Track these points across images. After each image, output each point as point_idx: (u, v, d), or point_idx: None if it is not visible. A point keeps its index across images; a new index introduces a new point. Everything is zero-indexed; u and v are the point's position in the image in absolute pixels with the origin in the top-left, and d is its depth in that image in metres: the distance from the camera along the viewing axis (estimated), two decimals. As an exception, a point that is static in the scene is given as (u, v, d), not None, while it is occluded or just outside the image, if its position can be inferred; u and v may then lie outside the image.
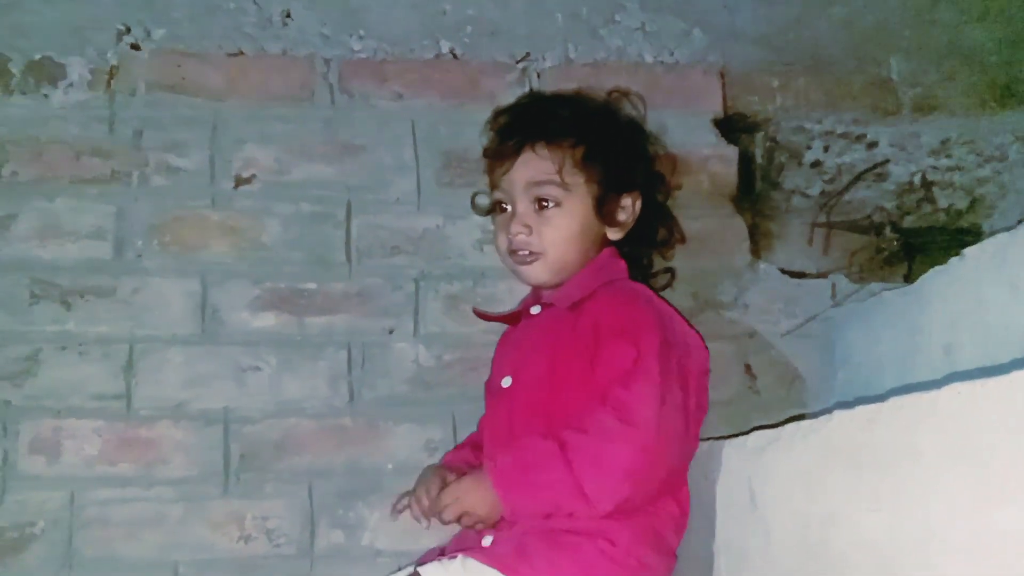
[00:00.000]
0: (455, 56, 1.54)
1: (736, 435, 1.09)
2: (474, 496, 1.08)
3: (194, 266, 1.43)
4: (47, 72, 1.44)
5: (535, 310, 1.25)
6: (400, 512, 1.25)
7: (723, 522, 1.11)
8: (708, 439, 1.18)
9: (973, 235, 1.55)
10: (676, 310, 1.21)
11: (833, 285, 1.54)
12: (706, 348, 1.19)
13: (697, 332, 1.20)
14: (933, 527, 0.73)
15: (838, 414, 0.87)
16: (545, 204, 1.19)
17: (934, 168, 1.61)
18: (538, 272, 1.21)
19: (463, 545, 1.13)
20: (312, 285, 1.45)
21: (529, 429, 1.13)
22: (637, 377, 1.06)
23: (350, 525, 1.40)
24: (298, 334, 1.44)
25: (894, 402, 0.77)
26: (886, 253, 1.59)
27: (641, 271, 1.29)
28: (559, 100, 1.36)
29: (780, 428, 1.00)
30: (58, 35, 1.45)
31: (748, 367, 1.50)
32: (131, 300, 1.41)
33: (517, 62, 1.54)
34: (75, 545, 1.35)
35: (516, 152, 1.21)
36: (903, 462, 0.77)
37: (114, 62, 1.46)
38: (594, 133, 1.22)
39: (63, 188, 1.42)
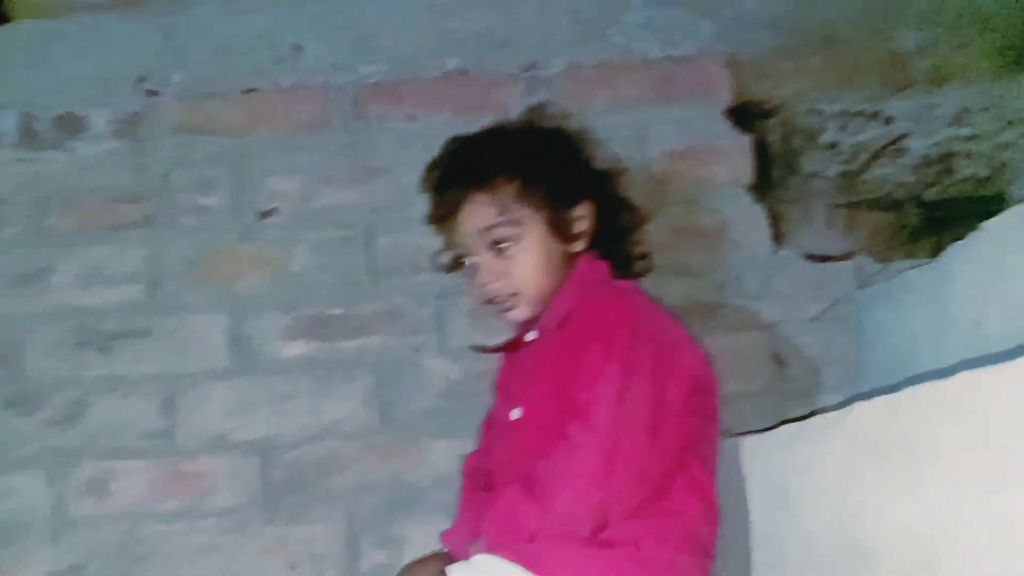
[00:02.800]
0: (465, 71, 1.56)
1: (764, 429, 1.10)
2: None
3: (227, 300, 1.48)
4: (73, 125, 1.50)
5: (531, 336, 1.23)
6: None
7: (758, 517, 1.12)
8: (736, 434, 1.18)
9: (998, 203, 1.52)
10: (663, 309, 1.18)
11: (858, 266, 1.52)
12: (701, 350, 1.15)
13: (686, 331, 1.16)
14: (961, 514, 0.73)
15: (858, 406, 0.88)
16: (502, 246, 1.18)
17: (954, 138, 1.58)
18: (522, 312, 1.21)
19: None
20: (340, 309, 1.48)
21: (545, 456, 1.11)
22: (599, 377, 1.05)
23: (394, 542, 1.43)
24: (331, 358, 1.47)
25: (909, 392, 0.78)
26: (910, 229, 1.57)
27: (623, 263, 1.26)
28: (477, 141, 1.30)
29: (805, 421, 1.00)
30: (82, 88, 1.50)
31: (777, 356, 1.49)
32: (169, 339, 1.46)
33: (524, 71, 1.55)
34: (131, 581, 1.40)
35: (455, 208, 1.20)
36: (925, 450, 0.77)
37: (137, 109, 1.51)
38: (522, 162, 1.20)
39: (99, 236, 1.48)
